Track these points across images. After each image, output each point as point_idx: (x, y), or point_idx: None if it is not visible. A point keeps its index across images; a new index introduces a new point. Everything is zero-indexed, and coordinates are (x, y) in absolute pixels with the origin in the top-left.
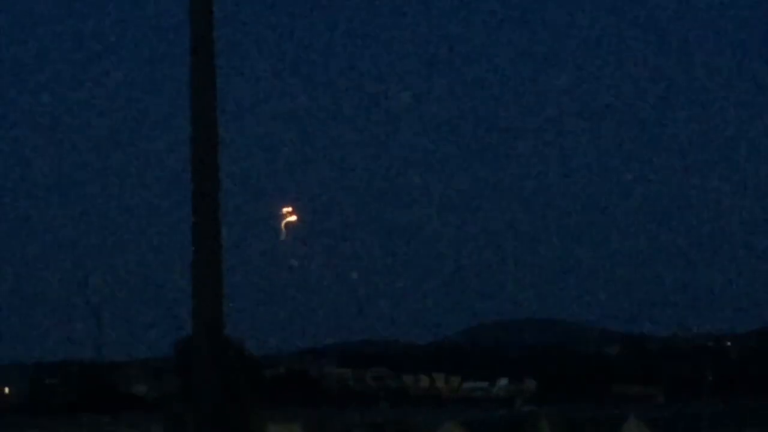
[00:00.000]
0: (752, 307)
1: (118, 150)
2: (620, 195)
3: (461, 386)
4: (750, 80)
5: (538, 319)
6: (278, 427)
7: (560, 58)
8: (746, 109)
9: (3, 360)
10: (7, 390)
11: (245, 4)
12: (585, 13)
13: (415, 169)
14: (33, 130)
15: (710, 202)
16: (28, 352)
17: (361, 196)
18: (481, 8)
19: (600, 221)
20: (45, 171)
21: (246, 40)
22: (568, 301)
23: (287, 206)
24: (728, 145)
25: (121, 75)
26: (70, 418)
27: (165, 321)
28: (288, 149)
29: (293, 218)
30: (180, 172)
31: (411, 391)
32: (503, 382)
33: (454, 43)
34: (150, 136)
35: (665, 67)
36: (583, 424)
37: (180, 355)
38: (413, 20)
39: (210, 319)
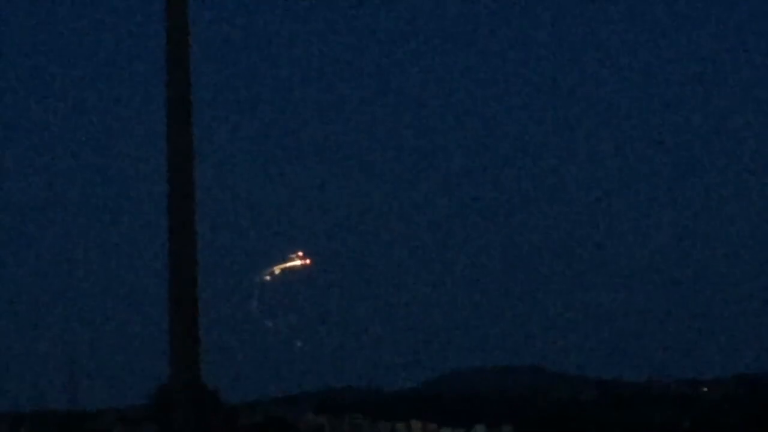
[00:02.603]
0: (729, 353)
1: (95, 198)
2: (595, 243)
3: None
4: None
5: (515, 366)
6: None
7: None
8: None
9: None
10: None
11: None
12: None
13: (390, 217)
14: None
15: (686, 250)
16: (4, 401)
17: (338, 244)
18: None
19: (576, 269)
20: (18, 219)
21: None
22: (545, 348)
23: (294, 253)
24: (699, 197)
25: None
26: None
27: (140, 370)
28: (266, 200)
29: (282, 267)
30: (156, 219)
31: None
32: (480, 428)
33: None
34: (128, 182)
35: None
36: None
37: (156, 403)
38: (396, 57)
39: (187, 367)
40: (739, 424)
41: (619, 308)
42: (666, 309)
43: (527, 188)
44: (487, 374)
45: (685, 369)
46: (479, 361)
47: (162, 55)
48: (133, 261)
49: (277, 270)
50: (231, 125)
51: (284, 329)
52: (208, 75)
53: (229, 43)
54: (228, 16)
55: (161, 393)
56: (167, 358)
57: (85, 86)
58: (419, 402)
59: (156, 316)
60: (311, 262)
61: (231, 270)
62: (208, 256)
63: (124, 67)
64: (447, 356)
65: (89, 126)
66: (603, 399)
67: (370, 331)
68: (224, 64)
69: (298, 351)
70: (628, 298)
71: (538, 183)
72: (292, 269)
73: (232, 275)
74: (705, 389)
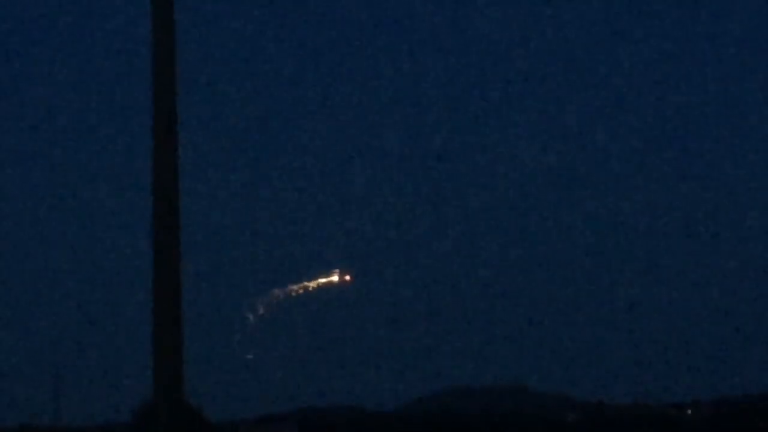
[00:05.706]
0: (713, 375)
1: (78, 212)
2: (579, 263)
3: None
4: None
5: (500, 386)
6: None
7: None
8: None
9: None
10: None
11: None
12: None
13: (380, 231)
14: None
15: (670, 271)
16: None
17: (322, 261)
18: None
19: (560, 289)
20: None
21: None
22: (529, 368)
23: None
24: (682, 220)
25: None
26: None
27: (124, 386)
28: (251, 218)
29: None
30: (141, 236)
31: None
32: None
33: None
34: (111, 198)
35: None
36: None
37: (139, 421)
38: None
39: (169, 385)
40: None
41: (604, 329)
42: (650, 331)
43: (515, 206)
44: (472, 394)
45: (669, 391)
46: (465, 381)
47: (148, 71)
48: (118, 277)
49: (273, 292)
50: (219, 138)
51: (269, 349)
52: (195, 87)
53: (217, 54)
54: (218, 27)
55: (144, 410)
56: (149, 375)
57: (64, 103)
58: (402, 422)
59: (140, 333)
60: (350, 279)
61: (217, 286)
62: (193, 271)
63: (109, 82)
64: (430, 376)
65: (72, 141)
66: (587, 421)
67: (356, 349)
68: (213, 74)
69: (283, 369)
70: (612, 318)
71: (527, 200)
72: (285, 293)
73: (218, 291)
74: (689, 412)
